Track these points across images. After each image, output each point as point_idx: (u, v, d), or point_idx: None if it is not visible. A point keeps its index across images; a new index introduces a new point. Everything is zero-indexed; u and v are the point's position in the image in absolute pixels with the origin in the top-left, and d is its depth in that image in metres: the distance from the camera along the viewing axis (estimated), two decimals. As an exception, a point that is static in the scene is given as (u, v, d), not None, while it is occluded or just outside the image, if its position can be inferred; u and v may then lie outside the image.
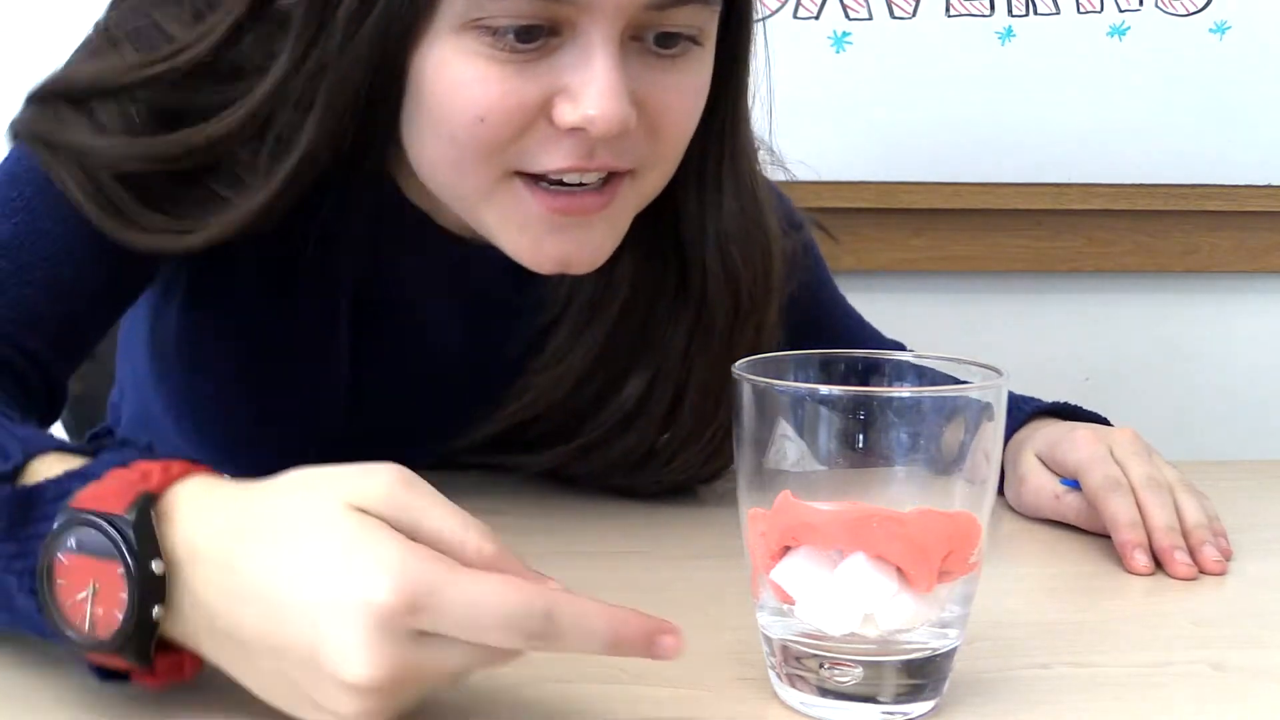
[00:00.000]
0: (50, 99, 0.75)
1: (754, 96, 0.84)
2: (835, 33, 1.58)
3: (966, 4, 1.59)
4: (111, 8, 0.79)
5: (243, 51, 0.74)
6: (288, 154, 0.73)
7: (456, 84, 0.70)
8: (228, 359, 0.89)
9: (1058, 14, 1.59)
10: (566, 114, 0.69)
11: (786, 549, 0.54)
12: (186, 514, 0.52)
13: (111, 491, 0.51)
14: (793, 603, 0.54)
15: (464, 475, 0.91)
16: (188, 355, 0.90)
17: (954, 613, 0.55)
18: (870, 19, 1.58)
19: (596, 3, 0.68)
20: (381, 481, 0.51)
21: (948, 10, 1.59)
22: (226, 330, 0.88)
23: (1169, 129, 1.61)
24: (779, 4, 1.57)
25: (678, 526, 0.83)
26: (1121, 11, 1.59)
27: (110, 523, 0.50)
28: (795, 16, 1.57)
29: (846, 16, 1.58)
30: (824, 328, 0.98)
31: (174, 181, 0.75)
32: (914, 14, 1.58)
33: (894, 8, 1.58)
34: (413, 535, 0.50)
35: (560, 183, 0.72)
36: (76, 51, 0.78)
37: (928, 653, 0.54)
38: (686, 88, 0.74)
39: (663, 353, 0.84)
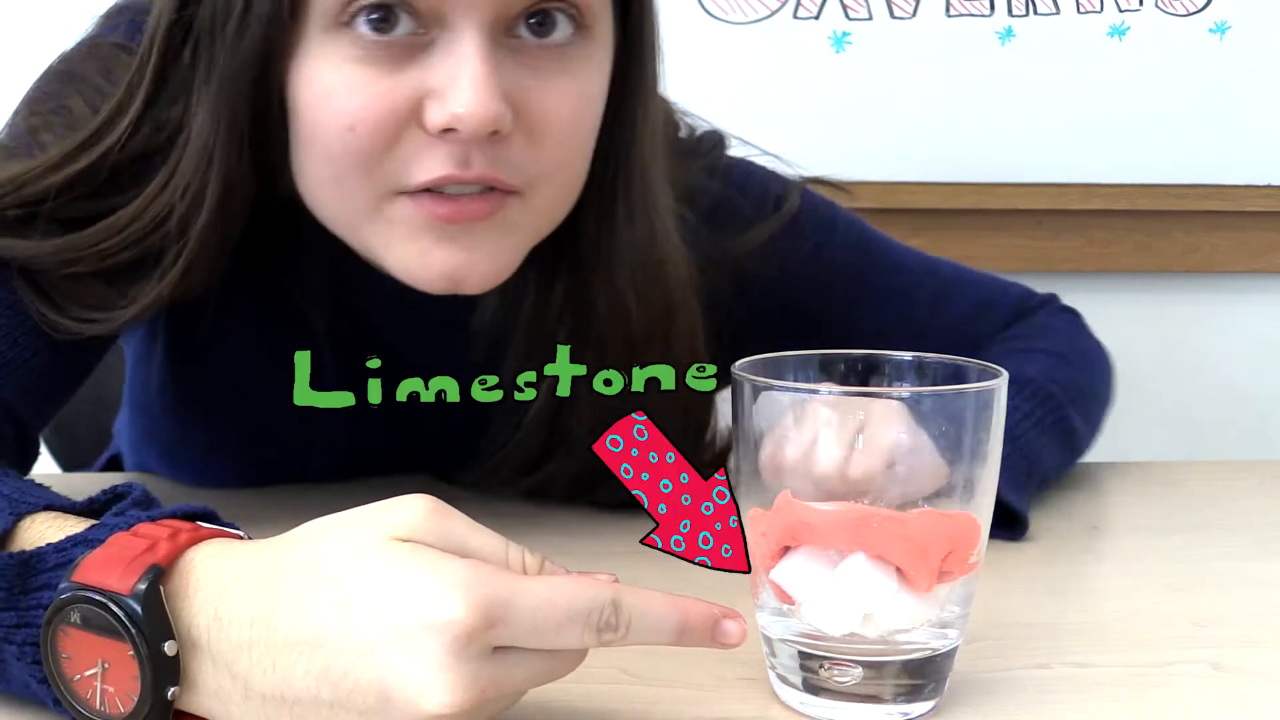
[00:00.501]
0: None
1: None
2: (835, 33, 1.58)
3: (966, 4, 1.59)
4: (14, 114, 0.77)
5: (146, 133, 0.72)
6: (200, 208, 0.70)
7: (324, 93, 0.67)
8: (216, 409, 0.89)
9: (1058, 14, 1.59)
10: (434, 115, 0.66)
11: (786, 549, 0.54)
12: (203, 583, 0.49)
13: (117, 562, 0.49)
14: (793, 603, 0.54)
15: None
16: (172, 407, 0.90)
17: (954, 613, 0.55)
18: (870, 19, 1.58)
19: None
20: (417, 510, 0.50)
21: (948, 10, 1.59)
22: (212, 381, 0.87)
23: (1169, 129, 1.61)
24: (779, 4, 1.57)
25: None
26: (1121, 11, 1.59)
27: (117, 604, 0.48)
28: (795, 16, 1.58)
29: (846, 16, 1.58)
30: (853, 287, 0.94)
31: (101, 269, 0.73)
32: (914, 14, 1.59)
33: (894, 8, 1.58)
34: (452, 535, 0.49)
35: (441, 195, 0.69)
36: None
37: (928, 653, 0.54)
38: (570, 92, 0.70)
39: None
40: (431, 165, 0.67)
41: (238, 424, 0.89)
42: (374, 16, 0.66)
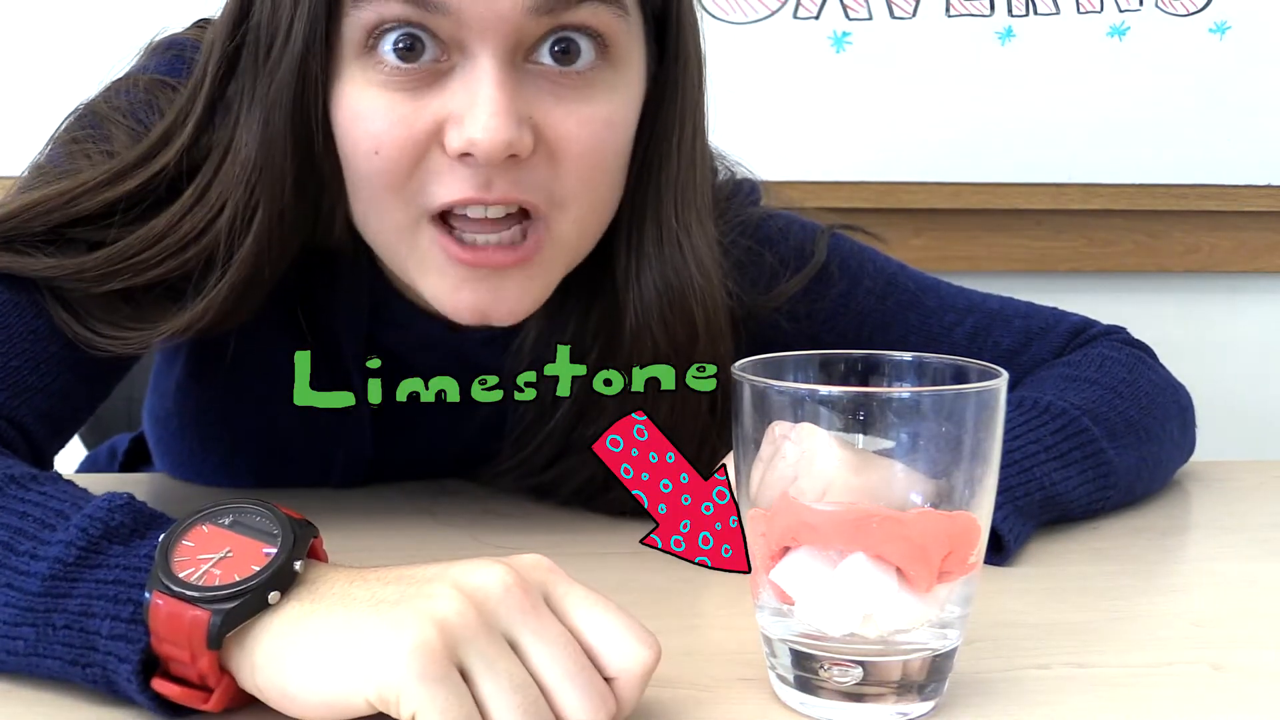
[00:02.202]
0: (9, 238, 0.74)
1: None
2: (835, 33, 1.58)
3: (966, 4, 1.59)
4: (49, 143, 0.78)
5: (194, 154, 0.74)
6: (246, 233, 0.72)
7: (355, 117, 0.70)
8: (237, 428, 0.89)
9: (1058, 14, 1.59)
10: (453, 139, 0.68)
11: (786, 549, 0.54)
12: (323, 565, 0.55)
13: (278, 509, 0.55)
14: (793, 603, 0.54)
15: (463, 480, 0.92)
16: (191, 426, 0.90)
17: (954, 613, 0.55)
18: (870, 19, 1.58)
19: (472, 9, 0.67)
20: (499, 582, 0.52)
21: (948, 10, 1.59)
22: (233, 402, 0.88)
23: (1169, 129, 1.61)
24: (779, 4, 1.57)
25: (678, 526, 0.83)
26: (1121, 11, 1.59)
27: (277, 516, 0.54)
28: (795, 16, 1.58)
29: (846, 16, 1.58)
30: (880, 331, 0.93)
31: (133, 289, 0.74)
32: (914, 14, 1.59)
33: (894, 8, 1.58)
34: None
35: (465, 218, 0.71)
36: (19, 189, 0.76)
37: (928, 653, 0.54)
38: (592, 116, 0.71)
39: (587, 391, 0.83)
40: (454, 187, 0.69)
41: (257, 444, 0.90)
42: (400, 45, 0.68)
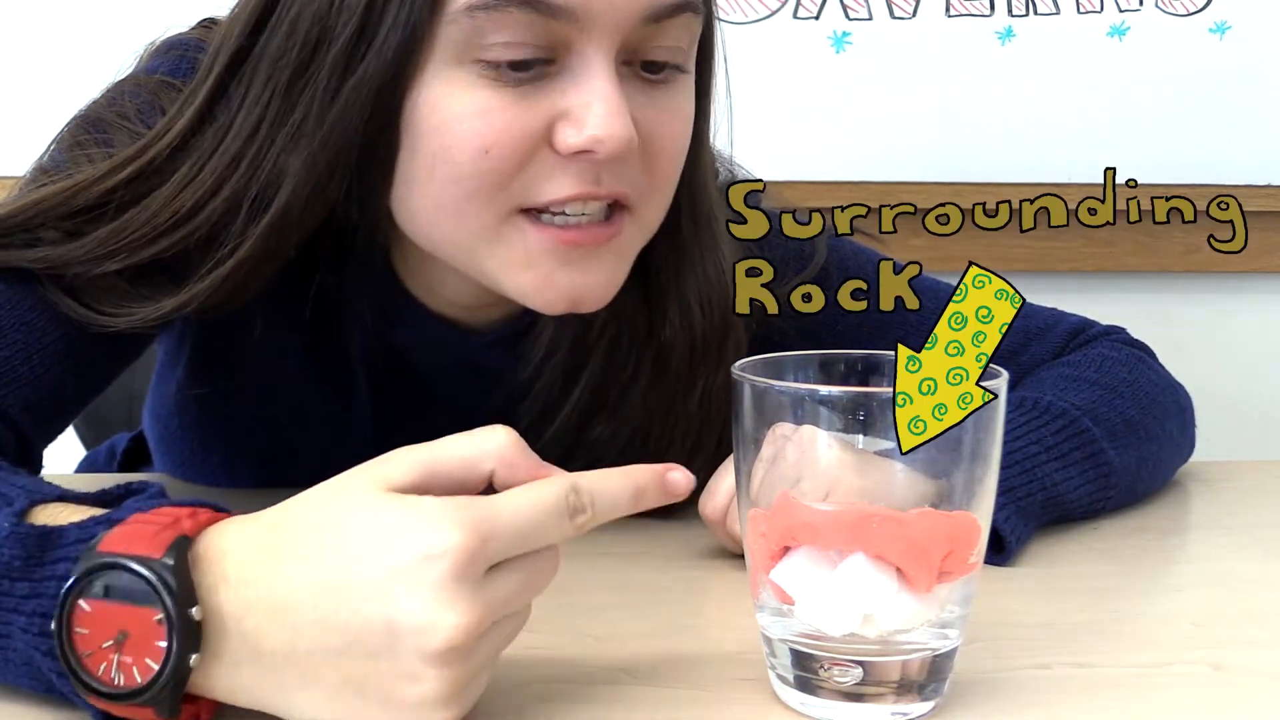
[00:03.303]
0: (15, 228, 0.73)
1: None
2: (835, 33, 1.58)
3: (966, 4, 1.59)
4: (53, 144, 0.78)
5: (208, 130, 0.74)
6: (265, 212, 0.72)
7: (457, 117, 0.69)
8: (239, 427, 0.89)
9: (1058, 14, 1.59)
10: (570, 137, 0.69)
11: (786, 549, 0.54)
12: (220, 553, 0.50)
13: (143, 535, 0.50)
14: (793, 603, 0.54)
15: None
16: (192, 426, 0.90)
17: (954, 613, 0.55)
18: (870, 19, 1.58)
19: (595, 15, 0.67)
20: (402, 460, 0.52)
21: (948, 10, 1.59)
22: (236, 400, 0.88)
23: (1169, 129, 1.61)
24: (779, 4, 1.57)
25: (677, 527, 0.83)
26: (1121, 11, 1.59)
27: (148, 567, 0.48)
28: (795, 16, 1.58)
29: (846, 16, 1.58)
30: (878, 331, 0.92)
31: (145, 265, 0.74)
32: (914, 14, 1.59)
33: (894, 8, 1.58)
34: (438, 478, 0.52)
35: (563, 214, 0.71)
36: (23, 188, 0.76)
37: (927, 653, 0.54)
38: (677, 111, 0.74)
39: (622, 395, 0.84)
40: (563, 185, 0.70)
41: (259, 442, 0.90)
42: (513, 59, 0.68)
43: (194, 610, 0.48)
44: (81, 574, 0.49)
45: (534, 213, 0.72)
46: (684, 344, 0.82)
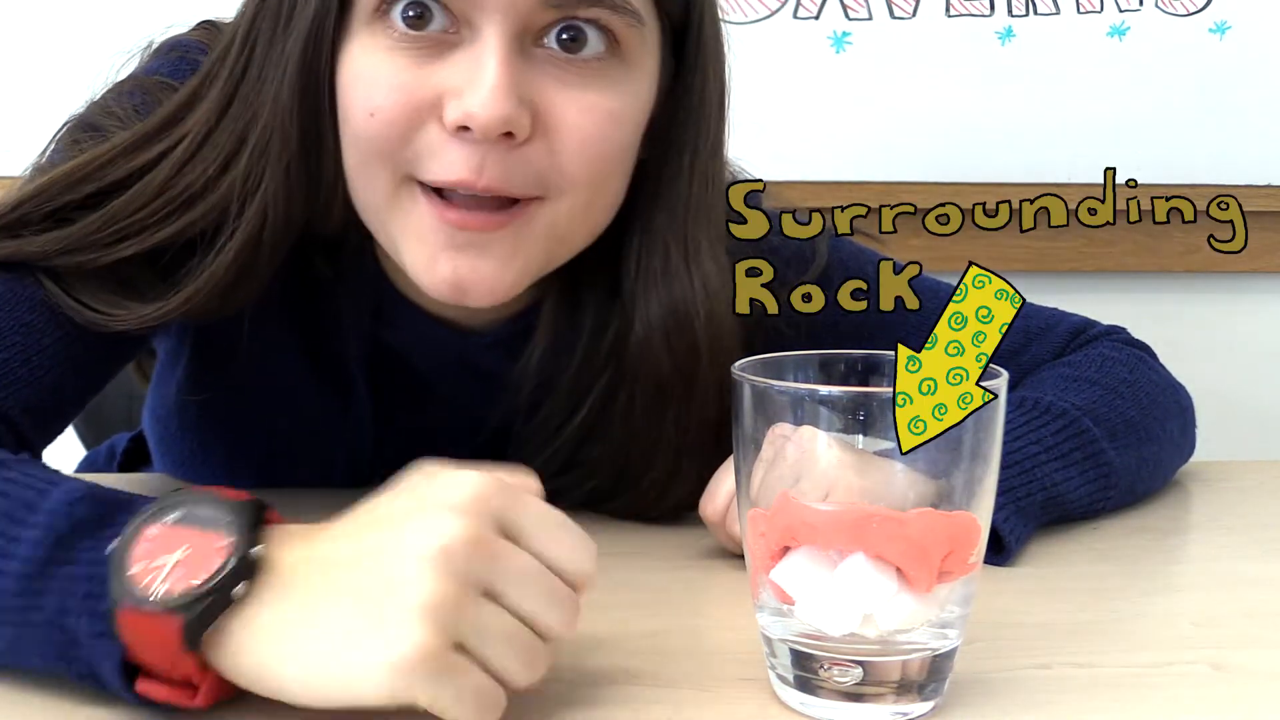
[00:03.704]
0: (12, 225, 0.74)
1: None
2: (835, 33, 1.58)
3: (966, 4, 1.59)
4: (51, 143, 0.78)
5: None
6: (250, 201, 0.73)
7: (356, 78, 0.71)
8: (238, 429, 0.89)
9: (1058, 14, 1.59)
10: (451, 111, 0.68)
11: (786, 549, 0.54)
12: (286, 533, 0.54)
13: (226, 493, 0.54)
14: (793, 603, 0.54)
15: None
16: (192, 426, 0.90)
17: (954, 613, 0.55)
18: (870, 19, 1.58)
19: None
20: (470, 486, 0.53)
21: (948, 10, 1.59)
22: (236, 401, 0.88)
23: (1169, 129, 1.61)
24: (779, 4, 1.57)
25: (677, 527, 0.83)
26: (1121, 11, 1.59)
27: (230, 504, 0.53)
28: (795, 16, 1.58)
29: (846, 16, 1.58)
30: (879, 332, 0.93)
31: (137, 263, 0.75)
32: (914, 14, 1.59)
33: (894, 8, 1.58)
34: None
35: (455, 193, 0.71)
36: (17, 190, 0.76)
37: (927, 653, 0.54)
38: (594, 105, 0.71)
39: (596, 411, 0.83)
40: (447, 165, 0.69)
41: (259, 443, 0.90)
42: (410, 13, 0.69)
43: (256, 549, 0.52)
44: (161, 506, 0.53)
45: (428, 187, 0.71)
46: (650, 365, 0.79)
